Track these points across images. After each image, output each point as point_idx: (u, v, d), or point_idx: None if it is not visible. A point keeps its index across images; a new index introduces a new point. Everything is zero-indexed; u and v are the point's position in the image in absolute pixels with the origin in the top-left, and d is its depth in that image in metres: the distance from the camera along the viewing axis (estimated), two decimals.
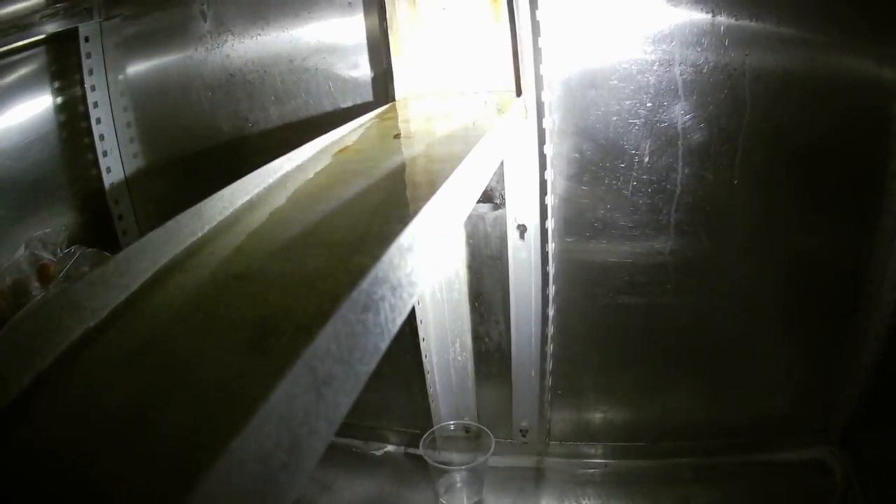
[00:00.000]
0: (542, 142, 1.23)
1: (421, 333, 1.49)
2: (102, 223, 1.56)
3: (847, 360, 1.41)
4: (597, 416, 1.59)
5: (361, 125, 1.09)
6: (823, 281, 1.36)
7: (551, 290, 1.36)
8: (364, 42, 1.33)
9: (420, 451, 1.54)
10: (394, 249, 0.54)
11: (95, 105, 1.47)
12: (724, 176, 1.25)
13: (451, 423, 1.63)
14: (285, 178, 0.85)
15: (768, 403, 1.52)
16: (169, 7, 1.43)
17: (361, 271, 0.50)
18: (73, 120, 1.50)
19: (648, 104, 1.22)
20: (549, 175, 1.26)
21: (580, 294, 1.40)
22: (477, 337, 1.52)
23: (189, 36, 1.43)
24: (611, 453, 1.62)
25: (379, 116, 1.16)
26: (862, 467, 1.42)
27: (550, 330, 1.41)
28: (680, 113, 1.21)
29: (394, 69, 1.27)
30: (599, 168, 1.28)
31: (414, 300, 0.56)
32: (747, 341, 1.44)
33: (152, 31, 1.46)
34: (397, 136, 1.03)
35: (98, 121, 1.48)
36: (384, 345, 0.53)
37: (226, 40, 1.41)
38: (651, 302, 1.38)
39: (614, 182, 1.28)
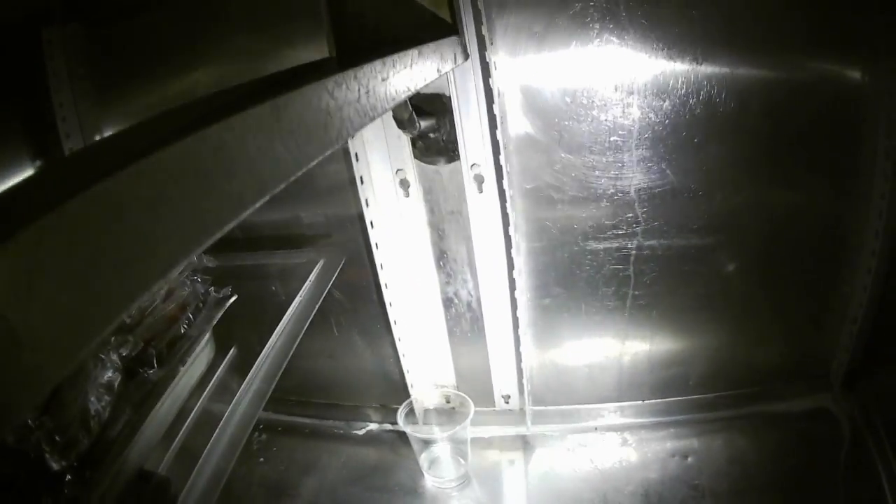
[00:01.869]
0: (486, 75, 1.21)
1: (387, 299, 1.48)
2: None
3: (840, 303, 1.40)
4: (582, 376, 1.58)
5: None
6: (808, 226, 1.35)
7: (515, 238, 1.34)
8: None
9: (399, 424, 1.52)
10: None
11: None
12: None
13: (428, 391, 1.62)
14: None
15: (765, 353, 1.51)
16: None
17: None
18: None
19: None
20: (497, 109, 1.24)
21: (547, 243, 1.39)
22: (446, 299, 1.50)
23: None
24: (600, 414, 1.61)
25: None
26: (867, 411, 1.40)
27: (520, 281, 1.39)
28: None
29: None
30: (556, 105, 1.26)
31: None
32: (735, 289, 1.43)
33: None
34: None
35: None
36: None
37: None
38: (621, 246, 1.37)
39: (572, 122, 1.26)
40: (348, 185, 1.38)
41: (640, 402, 1.58)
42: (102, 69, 1.41)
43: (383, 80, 0.61)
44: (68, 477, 0.87)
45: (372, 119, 0.56)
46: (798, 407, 1.49)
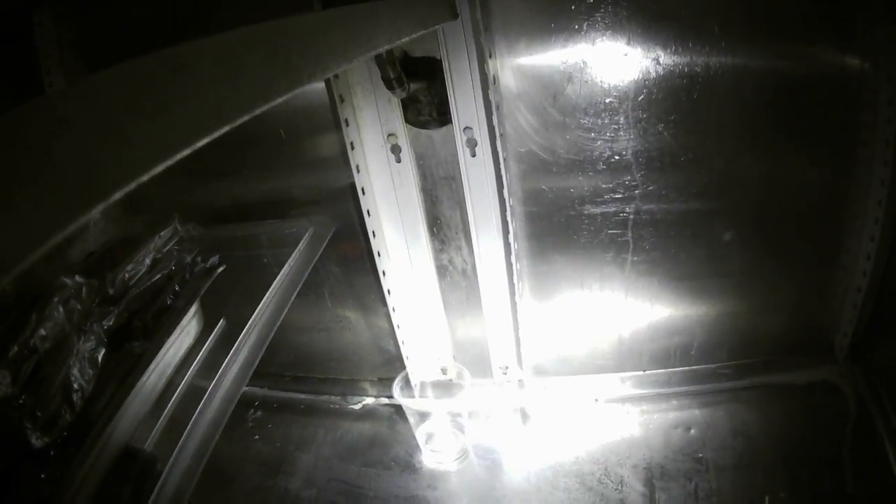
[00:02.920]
0: (477, 35, 1.17)
1: (380, 267, 1.45)
2: None
3: (844, 272, 1.38)
4: (581, 346, 1.56)
5: None
6: (810, 194, 1.32)
7: (510, 203, 1.32)
8: None
9: (395, 396, 1.50)
10: None
11: None
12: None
13: (424, 363, 1.60)
14: None
15: (768, 323, 1.48)
16: None
17: None
18: None
19: None
20: (490, 70, 1.21)
21: (543, 208, 1.36)
22: (441, 266, 1.48)
23: None
24: (600, 384, 1.58)
25: None
26: (873, 385, 1.38)
27: (515, 246, 1.37)
28: None
29: None
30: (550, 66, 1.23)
31: None
32: (736, 257, 1.40)
33: None
34: None
35: None
36: None
37: None
38: (619, 210, 1.34)
39: (566, 83, 1.23)
40: (340, 154, 1.34)
41: (640, 372, 1.56)
42: (94, 50, 1.40)
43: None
44: (51, 453, 0.84)
45: (350, 61, 0.54)
46: (802, 379, 1.47)
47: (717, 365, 1.52)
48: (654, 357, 1.54)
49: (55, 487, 0.82)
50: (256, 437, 1.68)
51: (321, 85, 1.28)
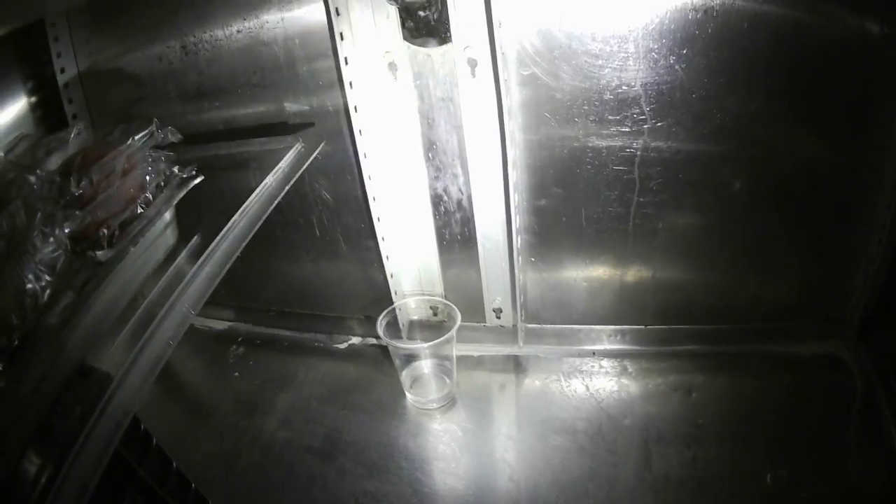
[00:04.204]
0: None
1: (370, 192, 1.39)
2: None
3: (858, 240, 1.31)
4: (580, 293, 1.49)
5: None
6: (826, 155, 1.25)
7: (511, 129, 1.24)
8: None
9: (379, 334, 1.44)
10: None
11: None
12: None
13: (413, 299, 1.54)
14: None
15: (775, 287, 1.42)
16: None
17: None
18: None
19: None
20: None
21: (544, 137, 1.29)
22: (435, 196, 1.41)
23: None
24: (598, 337, 1.53)
25: None
26: (882, 364, 1.32)
27: (515, 176, 1.29)
28: None
29: None
30: None
31: None
32: (745, 210, 1.32)
33: None
34: None
35: None
36: None
37: None
38: (625, 146, 1.26)
39: (573, 3, 1.15)
40: (334, 72, 1.28)
41: (642, 326, 1.49)
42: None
43: None
44: None
45: None
46: (809, 351, 1.41)
47: (722, 326, 1.45)
48: (656, 312, 1.47)
49: (1, 399, 0.76)
50: (236, 373, 1.64)
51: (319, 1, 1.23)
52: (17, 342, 0.80)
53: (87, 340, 0.87)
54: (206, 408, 1.54)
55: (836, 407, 1.29)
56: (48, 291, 0.85)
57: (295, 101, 1.38)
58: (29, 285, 0.83)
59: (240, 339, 1.74)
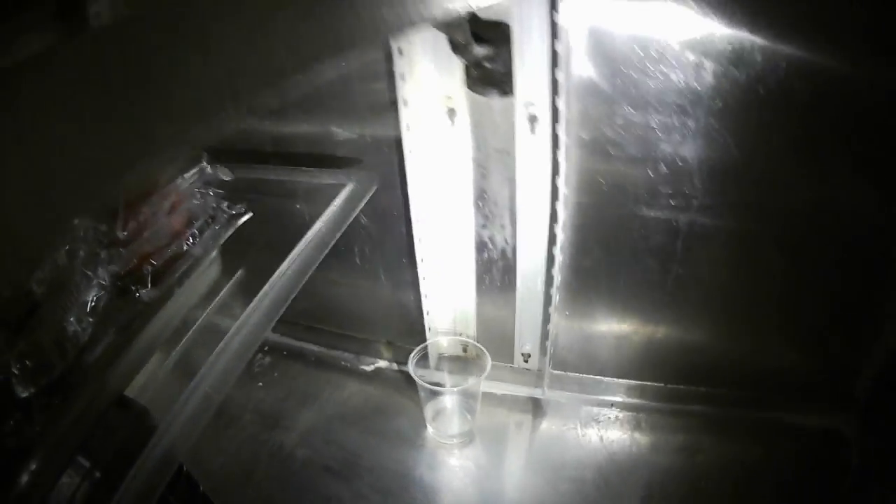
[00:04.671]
0: (552, 8, 1.09)
1: (417, 234, 1.38)
2: None
3: (875, 325, 1.30)
4: (608, 347, 1.49)
5: None
6: (858, 235, 1.23)
7: (563, 189, 1.23)
8: None
9: (409, 369, 1.45)
10: None
11: None
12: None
13: (446, 338, 1.54)
14: None
15: (795, 359, 1.40)
16: None
17: None
18: None
19: None
20: (560, 47, 1.11)
21: (596, 200, 1.28)
22: (480, 243, 1.40)
23: None
24: (619, 389, 1.52)
25: None
26: (883, 447, 1.30)
27: (561, 236, 1.28)
28: None
29: None
30: (625, 53, 1.13)
31: None
32: (779, 287, 1.32)
33: None
34: None
35: None
36: None
37: None
38: (672, 218, 1.25)
39: (640, 75, 1.14)
40: (389, 107, 1.26)
41: (661, 384, 1.49)
42: None
43: None
44: (35, 403, 0.79)
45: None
46: (816, 424, 1.40)
47: (737, 391, 1.44)
48: (678, 371, 1.47)
49: (36, 438, 0.77)
50: (260, 384, 1.64)
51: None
52: (55, 383, 0.81)
53: (128, 377, 0.88)
54: (228, 416, 1.54)
55: (835, 485, 1.29)
56: (89, 332, 0.86)
57: (348, 133, 1.38)
58: (70, 328, 0.83)
59: (266, 348, 1.70)
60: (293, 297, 1.03)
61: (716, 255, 1.29)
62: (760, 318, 1.36)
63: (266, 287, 1.00)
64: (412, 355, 1.47)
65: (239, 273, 1.07)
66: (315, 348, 1.73)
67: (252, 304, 0.97)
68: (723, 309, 1.37)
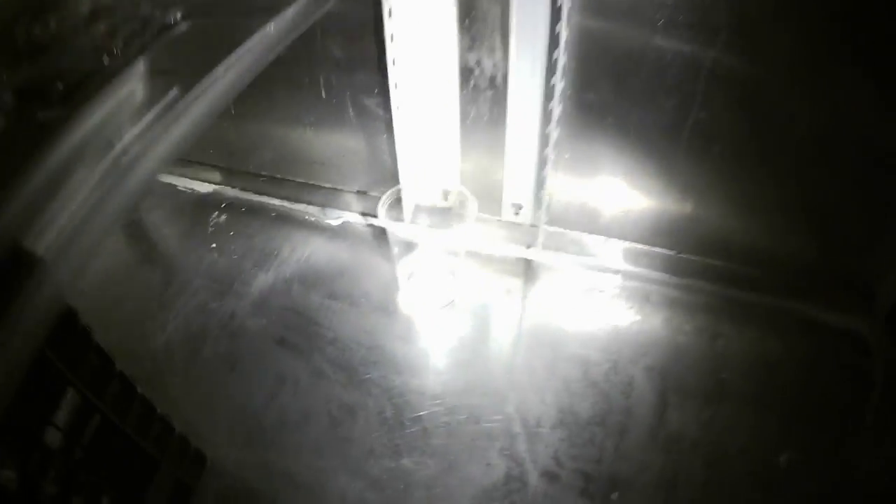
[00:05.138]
0: None
1: (391, 55, 1.19)
2: None
3: None
4: (613, 203, 1.33)
5: None
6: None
7: (566, 7, 1.05)
8: None
9: (379, 216, 1.26)
10: None
11: None
12: None
13: (422, 182, 1.36)
14: None
15: (820, 245, 1.25)
16: None
17: None
18: None
19: None
20: None
21: (603, 25, 1.10)
22: (465, 68, 1.22)
23: None
24: (624, 255, 1.37)
25: None
26: None
27: (562, 60, 1.10)
28: None
29: None
30: None
31: None
32: (804, 159, 1.16)
33: None
34: None
35: None
36: None
37: None
38: (694, 54, 1.08)
39: None
40: None
41: (673, 252, 1.34)
42: None
43: None
44: None
45: None
46: (838, 323, 1.25)
47: (757, 273, 1.30)
48: (692, 241, 1.32)
49: None
50: (214, 245, 1.49)
51: None
52: None
53: (25, 219, 0.70)
54: (177, 284, 1.40)
55: (857, 390, 1.15)
56: None
57: None
58: None
59: (224, 204, 1.57)
60: (221, 110, 0.85)
61: (742, 108, 1.12)
62: (783, 195, 1.21)
63: (196, 89, 0.83)
64: (383, 199, 1.27)
65: (172, 92, 0.89)
66: (276, 202, 1.58)
67: (169, 113, 0.80)
68: (745, 175, 1.21)
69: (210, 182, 1.66)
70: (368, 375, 1.18)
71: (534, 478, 1.04)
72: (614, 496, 1.02)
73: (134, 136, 0.80)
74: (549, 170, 1.24)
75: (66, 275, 0.66)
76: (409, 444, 1.09)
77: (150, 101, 0.84)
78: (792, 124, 1.11)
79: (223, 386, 1.20)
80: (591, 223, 1.36)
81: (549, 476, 1.04)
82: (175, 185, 1.66)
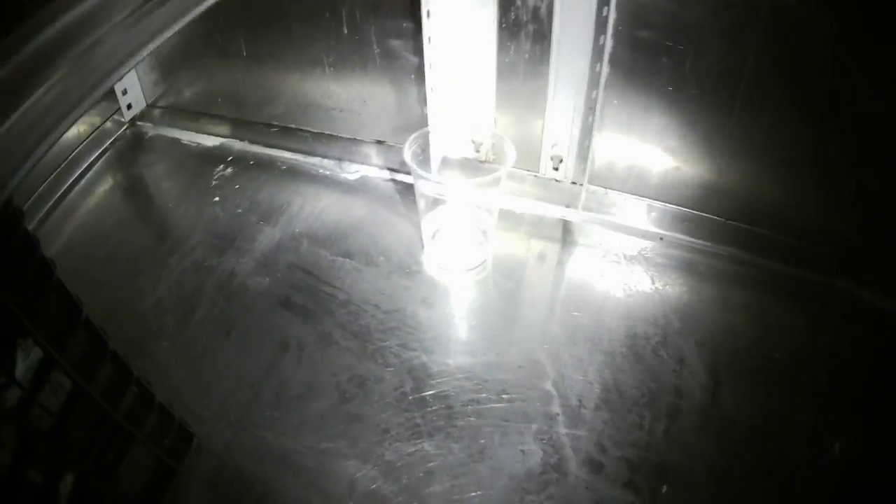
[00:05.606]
0: None
1: None
2: None
3: None
4: (662, 161, 1.18)
5: None
6: None
7: None
8: None
9: (405, 159, 1.10)
10: None
11: None
12: None
13: (452, 128, 1.21)
14: None
15: (879, 226, 1.12)
16: None
17: None
18: None
19: None
20: None
21: None
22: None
23: None
24: (671, 220, 1.22)
25: None
26: None
27: None
28: None
29: None
30: None
31: None
32: (869, 138, 1.02)
33: None
34: None
35: None
36: None
37: None
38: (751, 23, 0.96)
39: None
40: None
41: (722, 219, 1.19)
42: None
43: None
44: None
45: None
46: (892, 308, 1.10)
47: (811, 248, 1.15)
48: (743, 209, 1.18)
49: None
50: (216, 198, 1.35)
51: None
52: None
53: None
54: (173, 238, 1.27)
55: None
56: None
57: None
58: None
59: (230, 158, 1.44)
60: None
61: (807, 62, 0.99)
62: (845, 171, 1.07)
63: None
64: (409, 141, 1.12)
65: None
66: (288, 155, 1.45)
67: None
68: (795, 144, 1.08)
69: (217, 135, 1.53)
70: (385, 343, 1.04)
71: (574, 466, 0.90)
72: (664, 489, 0.88)
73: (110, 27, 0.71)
74: (597, 116, 1.09)
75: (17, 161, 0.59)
76: (430, 425, 0.94)
77: None
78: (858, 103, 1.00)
79: (217, 352, 1.06)
80: (636, 185, 1.22)
81: (592, 465, 0.90)
82: (179, 139, 1.54)
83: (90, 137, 1.47)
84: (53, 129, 0.61)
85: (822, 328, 1.08)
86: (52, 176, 1.38)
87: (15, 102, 0.59)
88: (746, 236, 1.18)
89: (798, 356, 1.03)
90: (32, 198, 1.33)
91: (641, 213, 1.23)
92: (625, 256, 1.19)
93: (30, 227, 1.25)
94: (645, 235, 1.22)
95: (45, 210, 1.34)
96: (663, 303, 1.10)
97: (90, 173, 1.44)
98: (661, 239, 1.21)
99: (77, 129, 1.43)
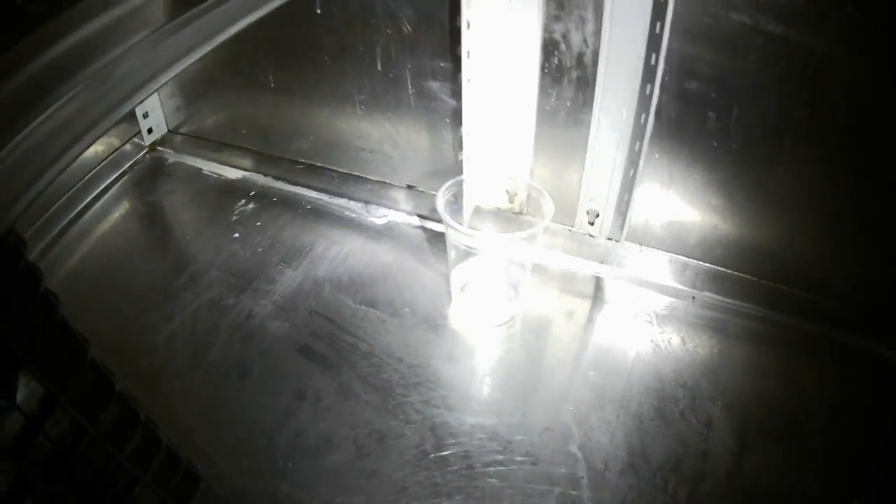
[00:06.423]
0: None
1: (465, 16, 1.00)
2: None
3: None
4: (701, 219, 1.14)
5: None
6: None
7: None
8: None
9: (438, 207, 1.05)
10: None
11: None
12: None
13: (487, 178, 1.17)
14: None
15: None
16: None
17: None
18: None
19: None
20: None
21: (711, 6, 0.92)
22: (550, 43, 1.03)
23: None
24: (704, 279, 1.17)
25: None
26: None
27: (666, 34, 0.91)
28: None
29: None
30: None
31: None
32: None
33: None
34: None
35: None
36: None
37: None
38: (806, 42, 0.90)
39: None
40: None
41: (755, 279, 1.15)
42: None
43: None
44: None
45: None
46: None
47: (845, 309, 1.11)
48: (780, 269, 1.14)
49: None
50: (236, 234, 1.31)
51: None
52: None
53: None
54: (189, 273, 1.22)
55: None
56: None
57: None
58: None
59: (252, 193, 1.40)
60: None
61: (845, 113, 0.95)
62: (878, 229, 1.04)
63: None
64: (442, 190, 1.07)
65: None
66: (313, 195, 1.40)
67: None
68: (839, 206, 1.04)
69: (240, 168, 1.49)
70: (407, 399, 1.00)
71: None
72: None
73: (128, 47, 0.66)
74: (640, 170, 1.05)
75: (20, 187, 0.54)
76: (450, 485, 0.89)
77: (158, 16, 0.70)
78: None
79: (231, 395, 1.01)
80: (673, 242, 1.18)
81: None
82: (200, 169, 1.50)
83: (108, 159, 1.44)
84: (60, 158, 0.57)
85: (854, 390, 1.04)
86: (67, 194, 1.34)
87: (16, 126, 0.55)
88: (779, 296, 1.15)
89: (828, 419, 1.00)
90: (45, 216, 1.30)
91: (675, 272, 1.19)
92: (656, 315, 1.14)
93: (41, 246, 1.21)
94: (678, 294, 1.17)
95: (57, 229, 1.31)
96: (693, 364, 1.06)
97: (106, 196, 1.40)
98: (694, 299, 1.17)
99: (95, 149, 1.40)
